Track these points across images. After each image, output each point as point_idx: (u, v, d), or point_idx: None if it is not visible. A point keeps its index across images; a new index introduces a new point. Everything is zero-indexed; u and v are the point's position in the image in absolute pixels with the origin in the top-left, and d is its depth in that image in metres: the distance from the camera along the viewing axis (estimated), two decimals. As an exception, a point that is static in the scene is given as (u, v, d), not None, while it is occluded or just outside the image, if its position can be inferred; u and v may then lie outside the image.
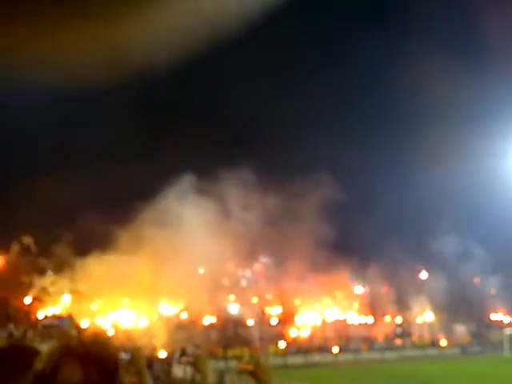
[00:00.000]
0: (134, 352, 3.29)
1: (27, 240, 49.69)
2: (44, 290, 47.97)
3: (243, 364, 2.62)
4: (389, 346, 56.06)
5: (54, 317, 46.39)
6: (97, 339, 1.88)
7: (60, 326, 42.00)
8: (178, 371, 29.43)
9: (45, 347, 1.91)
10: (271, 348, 50.47)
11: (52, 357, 1.80)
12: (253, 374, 2.51)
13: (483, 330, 61.60)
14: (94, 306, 45.06)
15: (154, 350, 41.59)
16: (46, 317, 46.68)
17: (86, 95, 47.98)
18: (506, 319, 65.51)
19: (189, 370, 25.20)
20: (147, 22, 3.12)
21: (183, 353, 33.09)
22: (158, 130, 58.28)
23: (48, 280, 48.37)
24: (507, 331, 57.06)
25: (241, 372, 2.62)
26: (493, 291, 64.64)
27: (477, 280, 67.10)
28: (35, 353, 2.25)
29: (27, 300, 47.94)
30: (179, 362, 27.85)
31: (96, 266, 44.73)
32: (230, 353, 47.54)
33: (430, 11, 67.69)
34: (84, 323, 45.36)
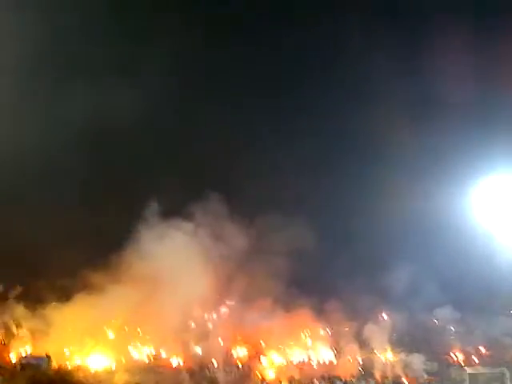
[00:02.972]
0: None
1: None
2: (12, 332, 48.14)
3: None
4: (353, 386, 56.83)
5: (32, 357, 45.61)
6: (62, 373, 2.63)
7: (38, 366, 41.58)
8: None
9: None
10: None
11: None
12: None
13: (444, 369, 63.08)
14: (65, 348, 45.18)
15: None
16: (24, 356, 45.78)
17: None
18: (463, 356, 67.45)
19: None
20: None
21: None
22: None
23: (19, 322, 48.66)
24: (468, 370, 58.66)
25: None
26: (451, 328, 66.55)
27: (435, 319, 69.23)
28: None
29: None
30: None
31: (66, 309, 45.54)
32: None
33: None
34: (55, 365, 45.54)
